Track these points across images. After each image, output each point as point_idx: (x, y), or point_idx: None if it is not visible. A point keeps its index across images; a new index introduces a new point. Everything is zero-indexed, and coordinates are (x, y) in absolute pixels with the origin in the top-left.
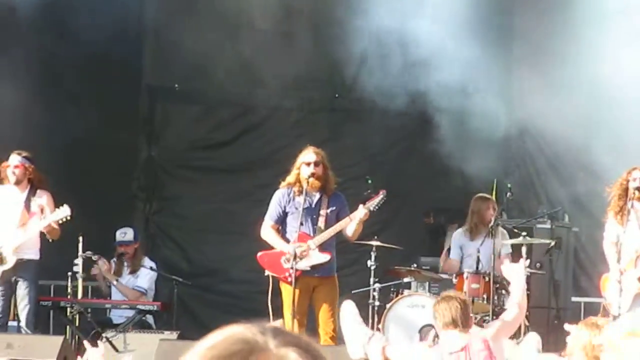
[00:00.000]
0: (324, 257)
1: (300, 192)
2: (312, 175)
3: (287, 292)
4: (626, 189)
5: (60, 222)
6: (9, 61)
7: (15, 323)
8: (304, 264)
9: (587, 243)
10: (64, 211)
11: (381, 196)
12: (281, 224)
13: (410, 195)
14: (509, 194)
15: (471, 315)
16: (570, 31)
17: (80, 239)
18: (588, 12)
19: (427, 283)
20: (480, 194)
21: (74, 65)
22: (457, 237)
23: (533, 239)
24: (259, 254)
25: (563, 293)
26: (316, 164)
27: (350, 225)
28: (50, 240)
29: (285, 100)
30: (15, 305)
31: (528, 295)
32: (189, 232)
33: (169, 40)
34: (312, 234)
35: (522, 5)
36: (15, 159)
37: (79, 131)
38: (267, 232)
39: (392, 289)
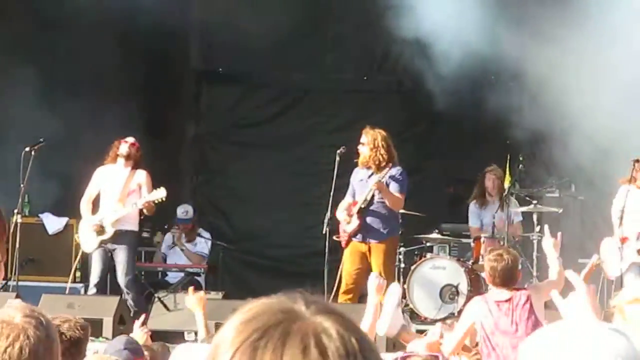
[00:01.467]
0: (354, 223)
1: (363, 167)
2: (362, 153)
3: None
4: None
5: (156, 201)
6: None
7: (76, 285)
8: (348, 228)
9: (591, 210)
10: (160, 193)
11: (387, 168)
12: (355, 197)
13: (432, 168)
14: (520, 165)
15: (519, 270)
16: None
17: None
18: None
19: (448, 246)
20: (487, 168)
21: (125, 53)
22: (471, 209)
23: (542, 207)
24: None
25: (570, 255)
26: (362, 143)
27: (383, 196)
28: (143, 215)
29: (318, 82)
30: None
31: (538, 257)
32: (233, 201)
33: (213, 27)
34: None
35: None
36: (130, 138)
37: (132, 112)
38: (340, 206)
39: (415, 253)
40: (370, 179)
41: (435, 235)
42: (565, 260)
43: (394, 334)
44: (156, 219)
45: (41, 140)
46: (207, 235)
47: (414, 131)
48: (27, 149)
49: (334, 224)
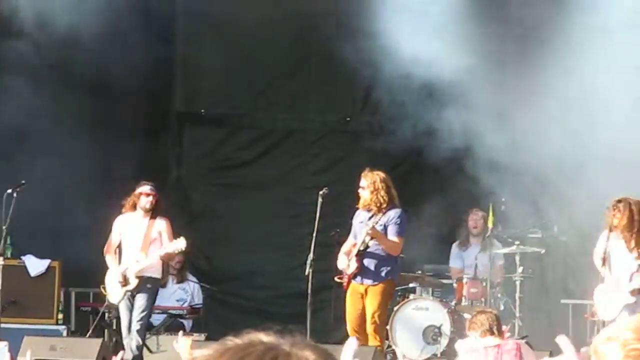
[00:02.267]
0: (353, 266)
1: (364, 210)
2: (361, 196)
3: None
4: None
5: (177, 251)
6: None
7: (58, 327)
8: (348, 271)
9: (574, 251)
10: (181, 243)
11: (392, 213)
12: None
13: (415, 209)
14: (503, 207)
15: (503, 328)
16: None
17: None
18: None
19: (431, 288)
20: (471, 209)
21: (109, 95)
22: (453, 250)
23: (525, 247)
24: None
25: (553, 295)
26: (363, 187)
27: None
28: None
29: (302, 123)
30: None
31: (521, 298)
32: (215, 243)
33: (196, 69)
34: None
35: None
36: (148, 188)
37: (116, 156)
38: (343, 247)
39: (399, 293)
40: (370, 222)
41: (418, 275)
42: (548, 301)
43: None
44: None
45: (23, 182)
46: (193, 279)
47: (395, 172)
48: (9, 190)
49: (324, 265)
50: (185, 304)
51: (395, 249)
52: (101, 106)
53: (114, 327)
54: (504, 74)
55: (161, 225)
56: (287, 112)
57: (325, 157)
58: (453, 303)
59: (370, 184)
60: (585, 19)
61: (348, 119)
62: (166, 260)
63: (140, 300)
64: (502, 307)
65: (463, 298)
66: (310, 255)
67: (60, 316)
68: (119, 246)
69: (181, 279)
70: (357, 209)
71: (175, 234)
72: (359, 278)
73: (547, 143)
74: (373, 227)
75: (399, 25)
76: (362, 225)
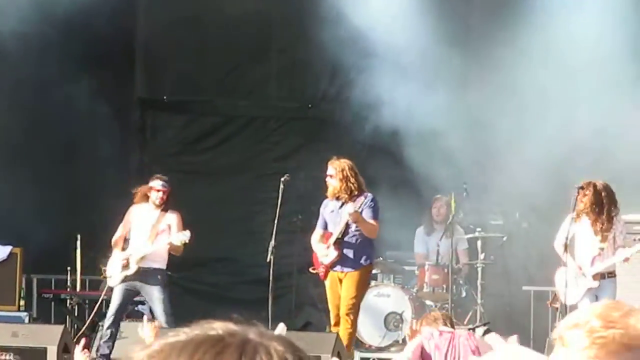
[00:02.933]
0: (333, 254)
1: (333, 199)
2: (330, 185)
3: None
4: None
5: (181, 243)
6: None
7: (20, 314)
8: (326, 260)
9: (535, 237)
10: (185, 235)
11: (362, 198)
12: (326, 228)
13: (376, 195)
14: (465, 194)
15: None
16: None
17: (79, 236)
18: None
19: (392, 275)
20: (435, 196)
21: (71, 81)
22: (418, 234)
23: (487, 233)
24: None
25: (514, 282)
26: (331, 175)
27: (360, 224)
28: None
29: (263, 110)
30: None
31: (483, 284)
32: None
33: (158, 55)
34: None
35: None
36: (159, 183)
37: (78, 140)
38: (312, 238)
39: None
40: (342, 209)
41: (379, 262)
42: (509, 288)
43: None
44: (104, 248)
45: None
46: None
47: (357, 159)
48: None
49: (285, 252)
50: None
51: (374, 232)
52: (65, 92)
53: (76, 313)
54: (467, 57)
55: (171, 218)
56: (248, 99)
57: (287, 144)
58: (415, 290)
59: (338, 172)
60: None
61: (310, 105)
62: (174, 252)
63: (156, 294)
64: (463, 294)
65: (425, 285)
66: (272, 242)
67: (22, 303)
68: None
69: None
70: (325, 198)
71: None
72: (338, 266)
73: (508, 130)
74: (355, 211)
75: (361, 13)
76: (334, 214)
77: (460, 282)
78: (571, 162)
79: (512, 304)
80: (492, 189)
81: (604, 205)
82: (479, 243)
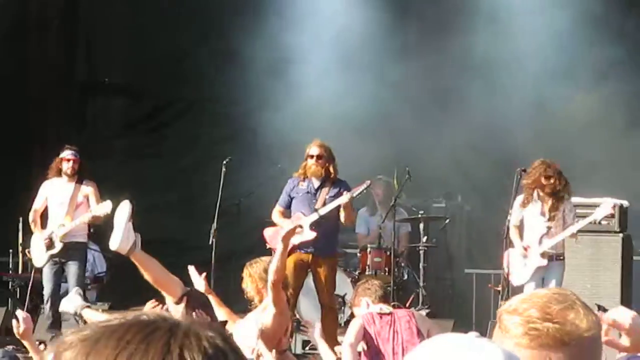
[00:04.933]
0: (311, 235)
1: (304, 179)
2: (315, 165)
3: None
4: (537, 182)
5: (103, 215)
6: None
7: None
8: (296, 240)
9: (477, 220)
10: (106, 207)
11: (364, 185)
12: (288, 208)
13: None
14: (407, 176)
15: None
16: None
17: (21, 219)
18: None
19: None
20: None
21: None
22: (360, 214)
23: (429, 215)
24: (265, 229)
25: (456, 265)
26: (319, 156)
27: (341, 210)
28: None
29: (205, 93)
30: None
31: (425, 267)
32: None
33: (99, 38)
34: (308, 215)
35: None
36: (69, 153)
37: (17, 124)
38: (274, 214)
39: None
40: (321, 192)
41: None
42: (452, 271)
43: (126, 249)
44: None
45: None
46: (95, 247)
47: None
48: None
49: (227, 234)
50: (88, 273)
51: (354, 220)
52: (1, 76)
53: (18, 296)
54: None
55: (87, 189)
56: (190, 83)
57: (228, 127)
58: (357, 272)
59: (323, 154)
60: None
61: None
62: (94, 223)
63: (73, 267)
64: (405, 277)
65: (367, 267)
66: (214, 225)
67: None
68: (45, 211)
69: None
70: (295, 177)
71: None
72: (311, 248)
73: (450, 112)
74: (352, 197)
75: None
76: (308, 195)
77: (402, 264)
78: (511, 143)
79: (455, 287)
80: (434, 171)
81: (555, 185)
82: (421, 226)
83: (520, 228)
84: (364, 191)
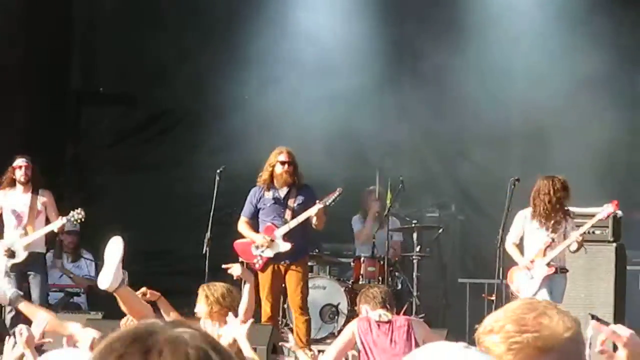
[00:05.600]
0: (286, 246)
1: (270, 188)
2: (285, 173)
3: (260, 278)
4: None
5: (58, 230)
6: None
7: None
8: (270, 252)
9: (471, 229)
10: (60, 222)
11: (337, 193)
12: (254, 218)
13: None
14: (401, 186)
15: (392, 297)
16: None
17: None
18: None
19: (328, 267)
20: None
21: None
22: (354, 220)
23: (422, 225)
24: (235, 242)
25: (450, 275)
26: (289, 163)
27: (312, 218)
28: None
29: (198, 103)
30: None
31: (418, 277)
32: (112, 222)
33: (95, 46)
34: (278, 226)
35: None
36: (22, 160)
37: (11, 133)
38: (241, 226)
39: None
40: (288, 200)
41: (315, 254)
42: (445, 280)
43: (115, 287)
44: None
45: None
46: (89, 255)
47: None
48: None
49: (221, 243)
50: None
51: (324, 223)
52: None
53: None
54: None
55: (43, 197)
56: (184, 92)
57: (222, 136)
58: (350, 282)
59: (293, 161)
60: None
61: (246, 97)
62: (58, 231)
63: (38, 278)
64: (399, 286)
65: (360, 277)
66: (208, 234)
67: None
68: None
69: (75, 258)
70: (258, 186)
71: (67, 210)
72: (286, 259)
73: (446, 120)
74: (325, 206)
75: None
76: (276, 206)
77: (396, 274)
78: (505, 154)
79: (448, 296)
80: (428, 181)
81: (561, 199)
82: (414, 235)
83: (519, 246)
84: (337, 199)
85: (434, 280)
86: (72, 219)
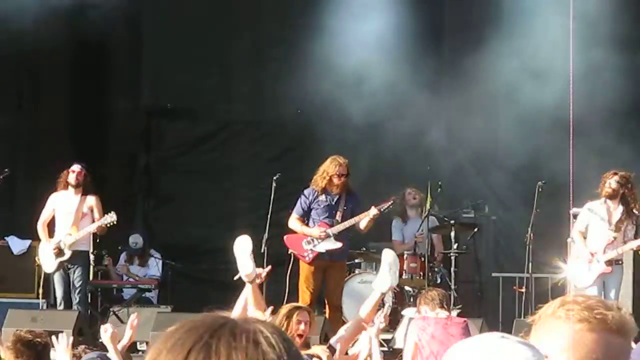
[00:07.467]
0: (338, 244)
1: (324, 192)
2: (342, 184)
3: (305, 269)
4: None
5: (108, 225)
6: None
7: (38, 301)
8: (322, 247)
9: (503, 228)
10: (111, 217)
11: (391, 202)
12: (306, 217)
13: (360, 192)
14: (439, 189)
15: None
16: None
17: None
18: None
19: (374, 263)
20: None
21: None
22: (394, 224)
23: (459, 223)
24: (286, 236)
25: (484, 270)
26: (346, 175)
27: (363, 221)
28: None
29: (257, 115)
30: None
31: (456, 272)
32: (180, 224)
33: (163, 65)
34: (330, 225)
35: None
36: (77, 166)
37: (90, 145)
38: (293, 222)
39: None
40: (339, 204)
41: (362, 252)
42: (480, 275)
43: (252, 277)
44: (109, 242)
45: (6, 170)
46: (157, 255)
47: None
48: None
49: (277, 243)
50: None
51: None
52: (78, 102)
53: (89, 300)
54: (441, 65)
55: (91, 201)
56: (244, 105)
57: (278, 147)
58: None
59: (349, 172)
60: None
61: (299, 111)
62: (100, 233)
63: (76, 273)
64: (439, 280)
65: (404, 272)
66: (265, 235)
67: (40, 291)
68: (52, 221)
69: (143, 262)
70: (312, 189)
71: (132, 215)
72: (335, 256)
73: (474, 127)
74: (380, 211)
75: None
76: (328, 206)
77: (436, 269)
78: (534, 160)
79: (483, 289)
80: (464, 184)
81: (628, 197)
82: (452, 234)
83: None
84: (390, 207)
85: (470, 275)
86: (105, 222)
